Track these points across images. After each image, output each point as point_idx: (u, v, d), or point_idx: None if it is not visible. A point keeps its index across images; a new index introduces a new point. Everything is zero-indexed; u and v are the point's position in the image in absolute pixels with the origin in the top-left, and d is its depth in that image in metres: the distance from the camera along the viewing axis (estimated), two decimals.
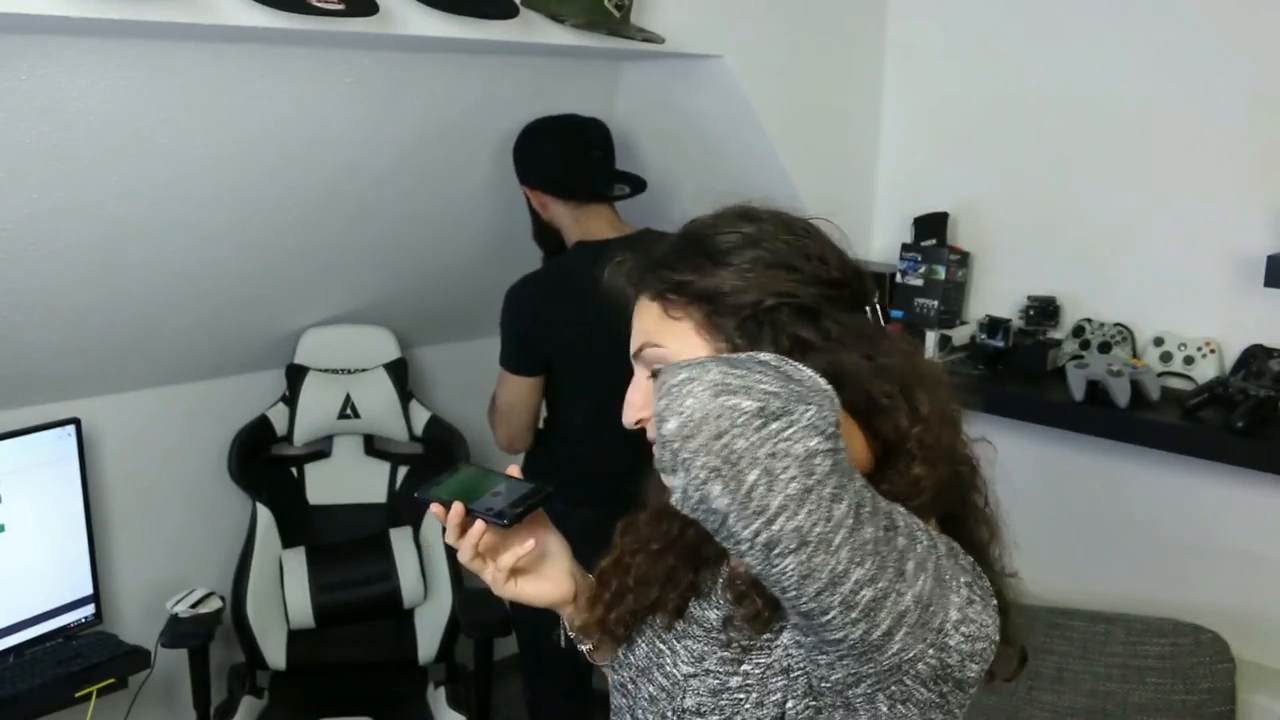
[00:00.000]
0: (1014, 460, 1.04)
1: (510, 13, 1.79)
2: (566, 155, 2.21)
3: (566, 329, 2.16)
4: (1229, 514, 2.18)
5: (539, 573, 1.08)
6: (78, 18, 1.40)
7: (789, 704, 0.89)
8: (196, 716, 2.32)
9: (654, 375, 0.95)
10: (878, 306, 0.98)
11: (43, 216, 1.91)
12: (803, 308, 0.92)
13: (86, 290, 2.11)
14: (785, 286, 0.93)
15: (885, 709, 0.82)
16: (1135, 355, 2.28)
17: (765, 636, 0.94)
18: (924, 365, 0.97)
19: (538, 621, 1.22)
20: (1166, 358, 2.23)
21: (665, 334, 0.96)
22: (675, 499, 0.76)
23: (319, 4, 1.54)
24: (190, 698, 2.31)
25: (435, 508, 1.04)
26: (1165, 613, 2.06)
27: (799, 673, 0.89)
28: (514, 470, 1.08)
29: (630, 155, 2.37)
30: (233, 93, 1.90)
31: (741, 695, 0.93)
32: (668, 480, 0.76)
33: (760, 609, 0.94)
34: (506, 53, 2.13)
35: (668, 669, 1.02)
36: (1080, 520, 2.37)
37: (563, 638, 1.15)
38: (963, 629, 0.81)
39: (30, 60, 1.67)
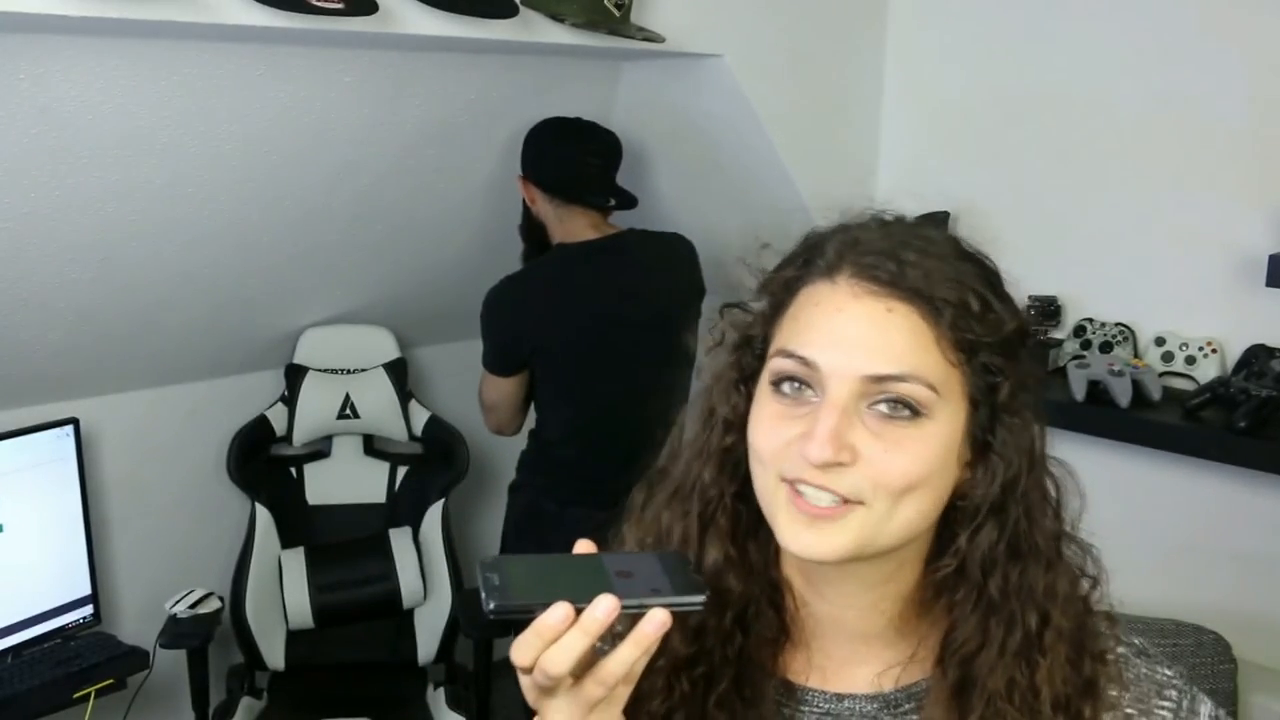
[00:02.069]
0: None
1: (510, 12, 1.78)
2: (564, 155, 2.23)
3: (544, 332, 2.19)
4: (1231, 514, 2.18)
5: None
6: (77, 17, 1.40)
7: None
8: (195, 717, 2.31)
9: (898, 410, 0.70)
10: None
11: (41, 215, 1.90)
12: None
13: (85, 290, 2.11)
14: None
15: None
16: (1136, 355, 2.28)
17: None
18: None
19: None
20: (1168, 358, 2.23)
21: (937, 377, 0.71)
22: None
23: (319, 3, 1.53)
24: (189, 698, 2.31)
25: (560, 610, 0.66)
26: (1166, 613, 2.04)
27: None
28: (584, 545, 0.75)
29: (631, 155, 2.37)
30: (232, 93, 1.90)
31: None
32: None
33: None
34: (506, 52, 2.13)
35: None
36: (1079, 521, 2.36)
37: None
38: None
39: (29, 60, 1.66)
